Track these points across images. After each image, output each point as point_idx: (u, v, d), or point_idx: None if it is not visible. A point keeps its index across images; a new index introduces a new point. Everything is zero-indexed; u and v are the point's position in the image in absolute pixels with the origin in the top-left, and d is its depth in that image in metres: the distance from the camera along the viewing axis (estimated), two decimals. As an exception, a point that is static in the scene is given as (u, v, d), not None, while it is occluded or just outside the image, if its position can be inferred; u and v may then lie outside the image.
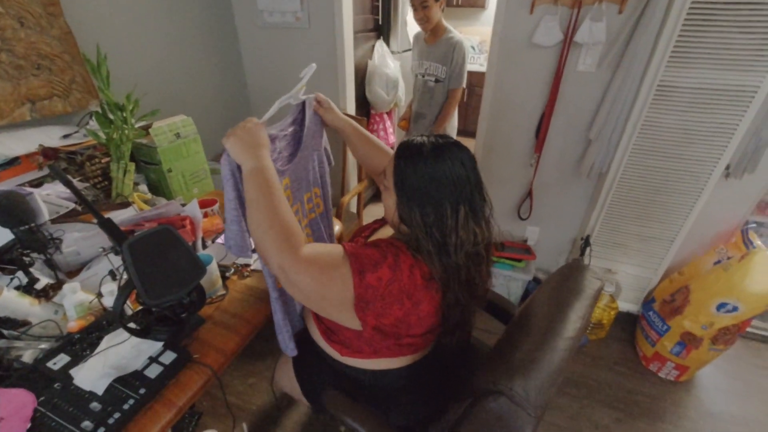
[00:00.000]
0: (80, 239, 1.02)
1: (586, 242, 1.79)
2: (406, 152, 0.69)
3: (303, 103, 0.93)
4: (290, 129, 0.93)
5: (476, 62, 4.14)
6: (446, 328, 0.77)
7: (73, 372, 0.73)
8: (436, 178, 0.65)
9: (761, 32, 1.23)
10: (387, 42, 3.06)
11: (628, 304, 1.90)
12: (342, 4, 1.89)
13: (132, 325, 0.76)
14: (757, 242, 1.50)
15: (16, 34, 1.25)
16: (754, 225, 1.63)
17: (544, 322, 0.70)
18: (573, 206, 1.89)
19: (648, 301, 1.77)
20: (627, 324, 1.90)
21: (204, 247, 1.15)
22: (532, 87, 1.69)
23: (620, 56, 1.47)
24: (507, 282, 1.95)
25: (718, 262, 1.56)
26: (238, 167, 0.73)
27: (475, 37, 4.27)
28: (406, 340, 0.74)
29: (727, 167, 1.50)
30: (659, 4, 1.29)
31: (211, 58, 2.07)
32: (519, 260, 1.90)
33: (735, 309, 1.41)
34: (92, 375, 0.72)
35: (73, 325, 0.83)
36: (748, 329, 1.59)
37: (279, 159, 0.89)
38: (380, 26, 3.00)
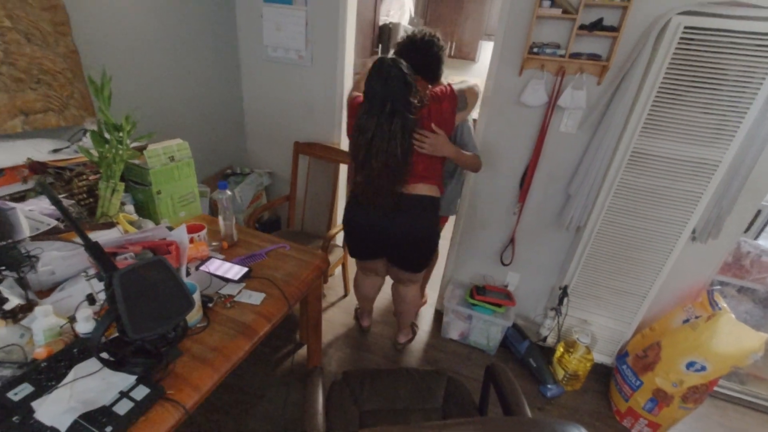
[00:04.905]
0: (58, 258, 0.99)
1: (564, 292, 1.84)
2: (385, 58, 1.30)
3: None
4: None
5: (465, 110, 4.36)
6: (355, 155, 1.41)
7: (35, 404, 0.68)
8: (378, 73, 1.29)
9: (720, 114, 1.37)
10: (383, 85, 3.19)
11: (602, 356, 1.93)
12: (345, 47, 1.99)
13: (105, 355, 0.72)
14: (722, 304, 1.58)
15: (21, 49, 1.26)
16: (719, 287, 1.72)
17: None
18: (553, 256, 1.96)
19: (621, 355, 1.81)
20: (602, 376, 1.92)
21: (187, 274, 1.13)
22: (518, 141, 1.79)
23: (598, 122, 1.59)
24: (487, 327, 1.96)
25: (687, 320, 1.63)
26: None
27: (465, 86, 4.52)
28: (353, 148, 1.41)
29: (693, 231, 1.60)
30: (633, 80, 1.43)
31: (213, 84, 2.11)
32: (499, 305, 1.93)
33: (703, 368, 1.46)
34: (56, 409, 0.67)
35: (41, 351, 0.78)
36: (716, 388, 1.64)
37: None
38: (378, 70, 3.13)
